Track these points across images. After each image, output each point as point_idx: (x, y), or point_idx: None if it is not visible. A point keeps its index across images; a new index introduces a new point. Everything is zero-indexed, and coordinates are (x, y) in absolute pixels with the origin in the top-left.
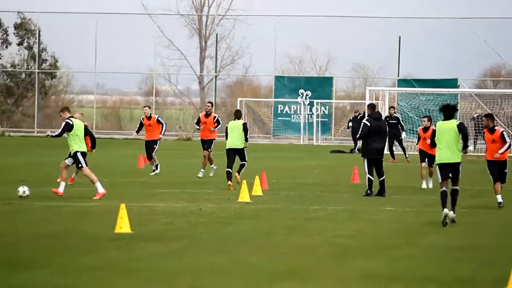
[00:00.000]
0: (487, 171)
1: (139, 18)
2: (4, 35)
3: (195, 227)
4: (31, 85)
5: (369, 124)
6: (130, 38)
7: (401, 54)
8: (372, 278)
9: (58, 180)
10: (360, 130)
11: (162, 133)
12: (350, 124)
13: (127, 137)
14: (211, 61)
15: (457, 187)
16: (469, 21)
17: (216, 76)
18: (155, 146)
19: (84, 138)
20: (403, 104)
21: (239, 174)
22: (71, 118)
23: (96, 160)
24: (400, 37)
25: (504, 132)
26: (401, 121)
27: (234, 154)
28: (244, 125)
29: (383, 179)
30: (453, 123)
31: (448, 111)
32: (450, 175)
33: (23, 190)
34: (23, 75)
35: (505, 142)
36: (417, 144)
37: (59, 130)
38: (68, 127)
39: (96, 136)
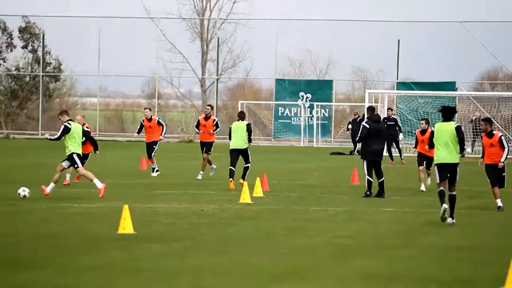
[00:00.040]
0: (484, 174)
1: (141, 22)
2: (9, 39)
3: (197, 228)
4: (35, 88)
5: (368, 126)
6: (133, 42)
7: (400, 57)
8: (372, 278)
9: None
10: (360, 132)
11: (163, 134)
12: (350, 126)
13: (129, 139)
14: (213, 64)
15: (454, 193)
16: (467, 25)
17: (217, 79)
18: (154, 146)
19: (86, 142)
20: (402, 107)
21: (243, 179)
22: (69, 121)
23: (99, 162)
24: (399, 41)
25: (502, 137)
26: (398, 123)
27: (238, 154)
28: (248, 126)
29: (382, 180)
30: (451, 125)
31: (448, 113)
32: (448, 175)
33: (23, 190)
34: (28, 78)
35: (503, 147)
36: (415, 147)
37: (58, 134)
38: (67, 130)
39: (99, 138)
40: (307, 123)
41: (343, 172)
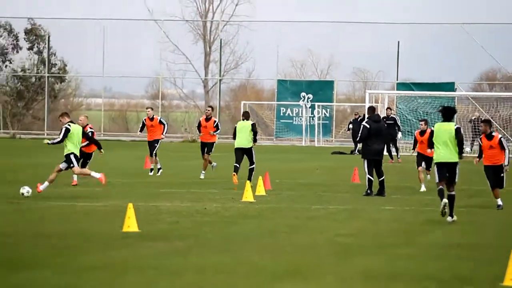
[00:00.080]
0: (483, 173)
1: (145, 24)
2: (15, 41)
3: (200, 226)
4: (41, 88)
5: (368, 126)
6: (137, 43)
7: (400, 58)
8: (372, 277)
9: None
10: (360, 132)
11: (164, 133)
12: (351, 126)
13: (134, 139)
14: (216, 65)
15: (453, 192)
16: (466, 26)
17: (220, 80)
18: (156, 145)
19: (90, 144)
20: (402, 107)
21: (250, 180)
22: (69, 123)
23: (104, 161)
24: (399, 42)
25: (502, 139)
26: (397, 122)
27: (242, 153)
28: (253, 125)
29: (383, 179)
30: (451, 126)
31: (448, 113)
32: (447, 175)
33: (26, 190)
34: (33, 79)
35: (503, 148)
36: (413, 148)
37: (60, 137)
38: (68, 133)
39: (104, 138)
40: (308, 123)
41: (344, 171)
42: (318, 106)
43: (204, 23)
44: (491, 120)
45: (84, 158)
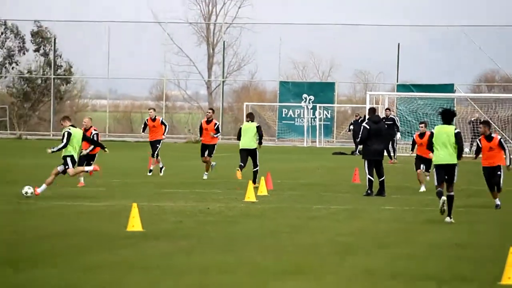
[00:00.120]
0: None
1: (149, 26)
2: (22, 43)
3: (203, 226)
4: (47, 90)
5: (368, 127)
6: (141, 46)
7: (400, 60)
8: (373, 276)
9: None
10: (360, 133)
11: (165, 134)
12: (351, 127)
13: (138, 139)
14: (219, 67)
15: (452, 193)
16: (465, 29)
17: (223, 82)
18: (158, 145)
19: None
20: (402, 108)
21: (254, 183)
22: (70, 127)
23: (109, 161)
24: (399, 45)
25: (502, 140)
26: (396, 122)
27: (247, 154)
28: (258, 128)
29: (383, 179)
30: (451, 129)
31: (448, 116)
32: (446, 177)
33: (27, 190)
34: (39, 81)
35: (503, 149)
36: (411, 150)
37: (64, 142)
38: (70, 137)
39: (109, 139)
40: (310, 124)
41: (344, 172)
42: (320, 107)
43: (208, 25)
44: (490, 121)
45: (88, 159)
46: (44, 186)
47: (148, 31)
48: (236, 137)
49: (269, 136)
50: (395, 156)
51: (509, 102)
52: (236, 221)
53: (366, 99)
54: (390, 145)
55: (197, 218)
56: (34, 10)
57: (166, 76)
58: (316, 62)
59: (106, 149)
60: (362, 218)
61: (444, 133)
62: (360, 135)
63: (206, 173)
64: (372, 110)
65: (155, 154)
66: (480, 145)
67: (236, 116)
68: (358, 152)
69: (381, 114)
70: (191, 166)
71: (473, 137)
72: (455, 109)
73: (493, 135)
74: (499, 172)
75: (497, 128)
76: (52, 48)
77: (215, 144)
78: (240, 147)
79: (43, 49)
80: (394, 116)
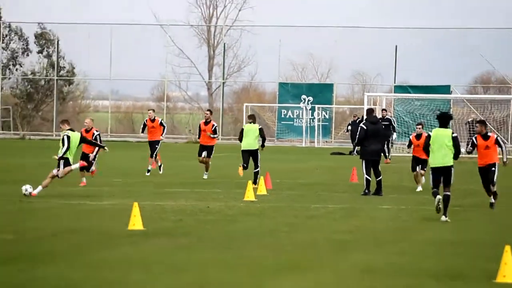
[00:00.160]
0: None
1: (151, 28)
2: (25, 45)
3: (203, 224)
4: (50, 91)
5: (365, 127)
6: (143, 47)
7: (397, 62)
8: (369, 272)
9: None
10: (358, 133)
11: (163, 134)
12: (349, 127)
13: (139, 140)
14: (219, 68)
15: (449, 193)
16: (461, 31)
17: (223, 83)
18: (157, 146)
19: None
20: (399, 109)
21: (255, 184)
22: (69, 131)
23: (110, 161)
24: (396, 46)
25: (498, 137)
26: (392, 123)
27: (249, 155)
28: (261, 130)
29: (380, 179)
30: (449, 132)
31: (444, 119)
32: (442, 178)
33: (27, 187)
34: (43, 82)
35: (500, 146)
36: (408, 150)
37: (65, 146)
38: (70, 140)
39: (110, 139)
40: (308, 125)
41: (342, 171)
42: (318, 108)
43: (208, 27)
44: (486, 122)
45: (88, 159)
46: (39, 188)
47: (150, 33)
48: (236, 137)
49: (268, 137)
50: (389, 156)
51: (504, 103)
52: (236, 220)
53: (364, 100)
54: (385, 145)
55: (197, 217)
56: (38, 12)
57: (167, 77)
58: (315, 63)
59: (105, 148)
60: (359, 217)
61: (441, 136)
62: (357, 136)
63: (206, 173)
64: (370, 111)
65: (154, 155)
66: (475, 142)
67: (236, 117)
68: (356, 152)
69: (378, 115)
70: (192, 166)
71: (470, 138)
72: (451, 110)
73: (489, 134)
74: (493, 168)
75: (493, 129)
76: (55, 49)
77: (213, 145)
78: (242, 148)
79: (47, 50)
80: (390, 116)
